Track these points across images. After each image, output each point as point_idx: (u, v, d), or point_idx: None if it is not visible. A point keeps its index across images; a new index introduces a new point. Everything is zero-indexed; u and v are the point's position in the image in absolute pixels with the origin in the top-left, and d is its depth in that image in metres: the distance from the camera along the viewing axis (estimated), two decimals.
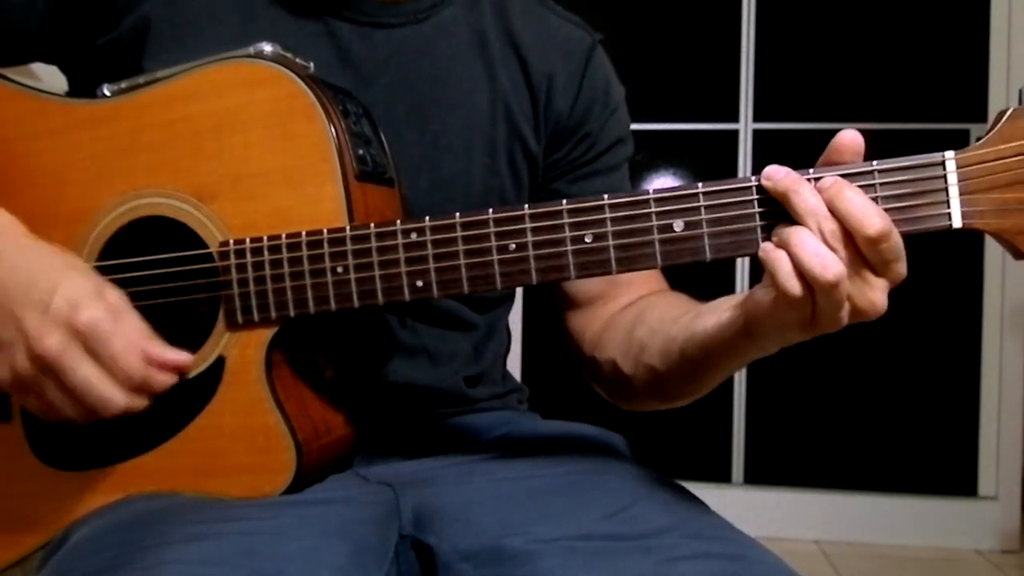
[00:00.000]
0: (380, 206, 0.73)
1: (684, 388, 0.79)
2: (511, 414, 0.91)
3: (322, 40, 0.80)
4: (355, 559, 0.64)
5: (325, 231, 0.68)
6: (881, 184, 0.60)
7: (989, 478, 2.41)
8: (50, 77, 0.86)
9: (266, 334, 0.70)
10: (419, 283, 0.68)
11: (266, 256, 0.70)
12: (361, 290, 0.68)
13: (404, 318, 0.83)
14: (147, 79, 0.74)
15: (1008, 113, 0.60)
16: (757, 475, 2.51)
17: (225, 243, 0.71)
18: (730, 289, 2.42)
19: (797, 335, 0.63)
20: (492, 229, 0.66)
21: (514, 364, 2.45)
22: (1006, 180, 0.60)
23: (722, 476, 2.51)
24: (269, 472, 0.70)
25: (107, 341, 0.66)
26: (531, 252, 0.66)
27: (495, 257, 0.66)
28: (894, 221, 0.59)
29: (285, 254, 0.69)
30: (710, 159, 2.52)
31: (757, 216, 0.62)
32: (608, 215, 0.64)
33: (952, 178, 0.60)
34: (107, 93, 0.75)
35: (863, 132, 0.61)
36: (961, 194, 0.60)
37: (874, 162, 0.61)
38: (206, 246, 0.71)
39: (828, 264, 0.58)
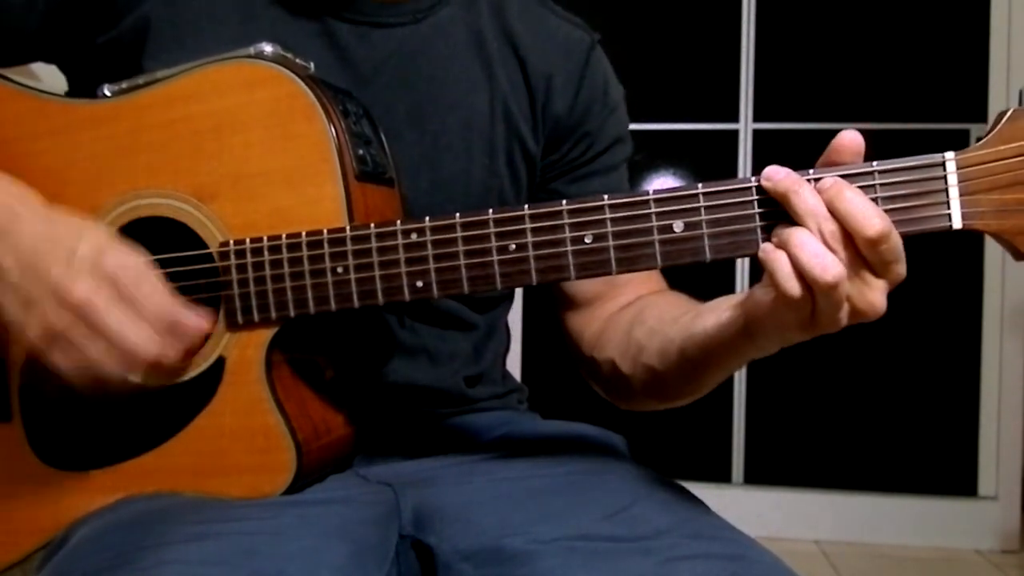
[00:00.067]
0: (380, 206, 0.73)
1: (683, 388, 0.79)
2: (511, 414, 0.91)
3: (321, 40, 0.80)
4: (355, 559, 0.64)
5: (325, 231, 0.68)
6: (881, 185, 0.60)
7: (989, 478, 2.41)
8: (50, 77, 0.86)
9: (266, 334, 0.71)
10: (419, 283, 0.68)
11: (266, 256, 0.70)
12: (361, 290, 0.68)
13: (404, 318, 0.83)
14: (147, 79, 0.74)
15: (1008, 114, 0.60)
16: (757, 475, 2.51)
17: (225, 243, 0.71)
18: (730, 289, 2.42)
19: (796, 335, 0.63)
20: (492, 229, 0.66)
21: (514, 364, 2.45)
22: (1006, 181, 0.60)
23: (722, 476, 2.51)
24: (269, 472, 0.70)
25: (135, 283, 0.66)
26: (531, 252, 0.66)
27: (495, 258, 0.66)
28: (894, 222, 0.59)
29: (285, 254, 0.69)
30: (710, 159, 2.52)
31: (757, 217, 0.62)
32: (608, 215, 0.64)
33: (952, 179, 0.60)
34: (107, 93, 0.75)
35: (863, 132, 0.61)
36: (961, 195, 0.60)
37: (874, 163, 0.61)
38: (206, 246, 0.71)
39: (828, 265, 0.58)
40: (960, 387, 2.42)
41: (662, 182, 2.53)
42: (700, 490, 0.76)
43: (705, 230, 0.63)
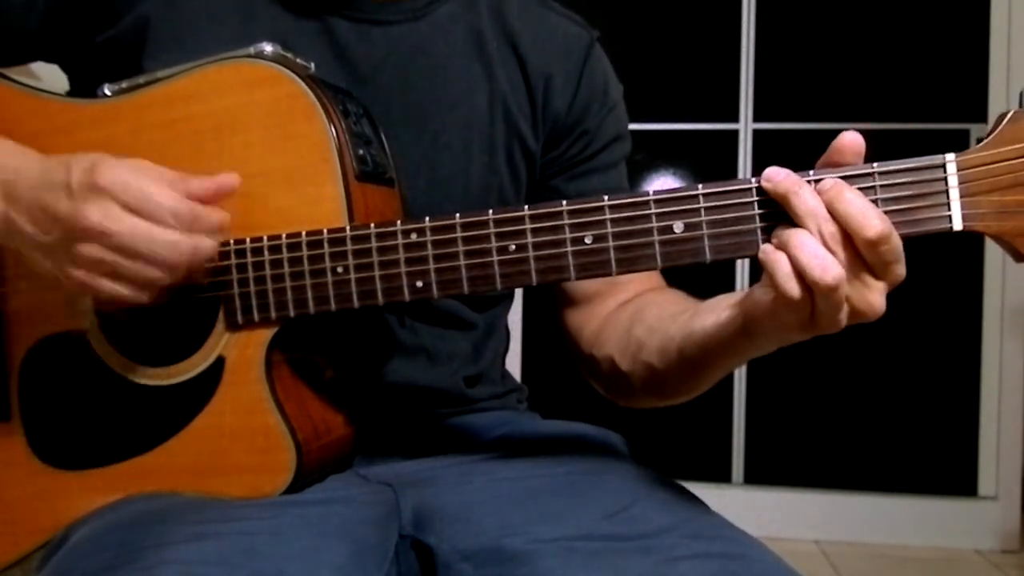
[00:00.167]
0: (380, 206, 0.73)
1: (682, 386, 0.79)
2: (511, 414, 0.91)
3: (321, 38, 0.80)
4: (355, 559, 0.64)
5: (325, 231, 0.69)
6: (881, 186, 0.60)
7: (989, 478, 2.41)
8: (50, 77, 0.86)
9: (266, 334, 0.71)
10: (419, 283, 0.68)
11: (266, 256, 0.70)
12: (361, 290, 0.68)
13: (403, 318, 0.83)
14: (147, 79, 0.74)
15: (1009, 115, 0.60)
16: (757, 475, 2.51)
17: (225, 243, 0.71)
18: (730, 288, 2.42)
19: (796, 335, 0.64)
20: (492, 230, 0.66)
21: (514, 364, 2.45)
22: (1007, 182, 0.60)
23: (722, 476, 2.51)
24: (269, 472, 0.70)
25: (138, 189, 0.65)
26: (531, 253, 0.66)
27: (495, 258, 0.66)
28: (894, 223, 0.59)
29: (285, 254, 0.69)
30: (710, 159, 2.52)
31: (757, 218, 0.62)
32: (608, 216, 0.64)
33: (952, 180, 0.60)
34: (107, 93, 0.75)
35: (863, 132, 0.61)
36: (962, 196, 0.60)
37: (874, 164, 0.61)
38: None
39: (827, 266, 0.58)
40: (960, 387, 2.42)
41: (662, 182, 2.53)
42: (700, 490, 0.76)
43: (705, 231, 0.63)
